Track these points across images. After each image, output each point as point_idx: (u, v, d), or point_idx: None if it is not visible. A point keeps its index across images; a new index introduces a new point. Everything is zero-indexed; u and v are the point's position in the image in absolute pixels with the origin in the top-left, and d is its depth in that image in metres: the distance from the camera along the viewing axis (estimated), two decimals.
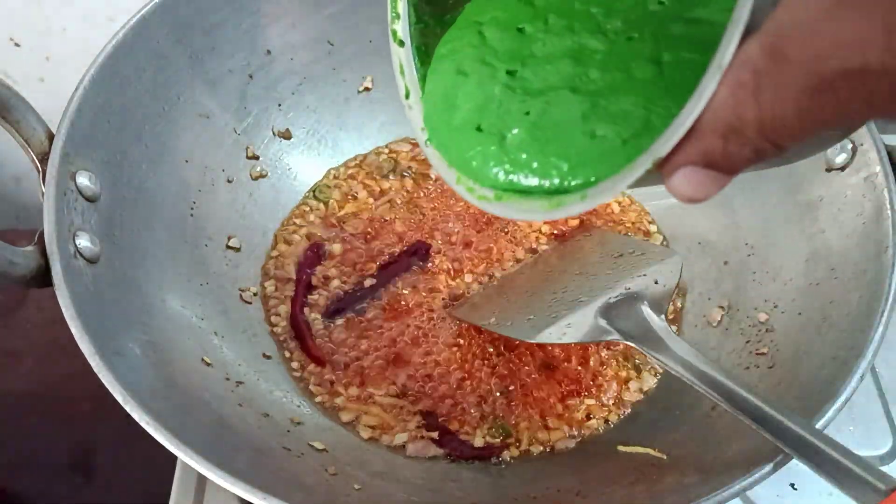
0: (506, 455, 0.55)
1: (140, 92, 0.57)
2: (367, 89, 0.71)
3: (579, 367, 0.59)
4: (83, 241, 0.48)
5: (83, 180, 0.50)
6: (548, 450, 0.56)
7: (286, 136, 0.69)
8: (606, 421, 0.58)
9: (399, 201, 0.69)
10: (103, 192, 0.51)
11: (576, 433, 0.57)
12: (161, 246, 0.56)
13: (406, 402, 0.58)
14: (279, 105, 0.68)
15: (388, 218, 0.68)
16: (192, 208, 0.61)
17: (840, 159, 0.56)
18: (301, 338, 0.61)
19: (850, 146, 0.55)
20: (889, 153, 0.53)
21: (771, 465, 0.42)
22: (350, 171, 0.71)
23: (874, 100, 0.25)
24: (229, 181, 0.65)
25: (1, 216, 0.93)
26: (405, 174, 0.71)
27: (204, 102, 0.62)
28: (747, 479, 0.42)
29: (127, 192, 0.54)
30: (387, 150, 0.72)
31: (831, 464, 0.39)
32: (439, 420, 0.57)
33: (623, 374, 0.59)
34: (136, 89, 0.56)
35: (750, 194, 0.63)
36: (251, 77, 0.66)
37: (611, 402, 0.58)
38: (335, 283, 0.64)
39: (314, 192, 0.70)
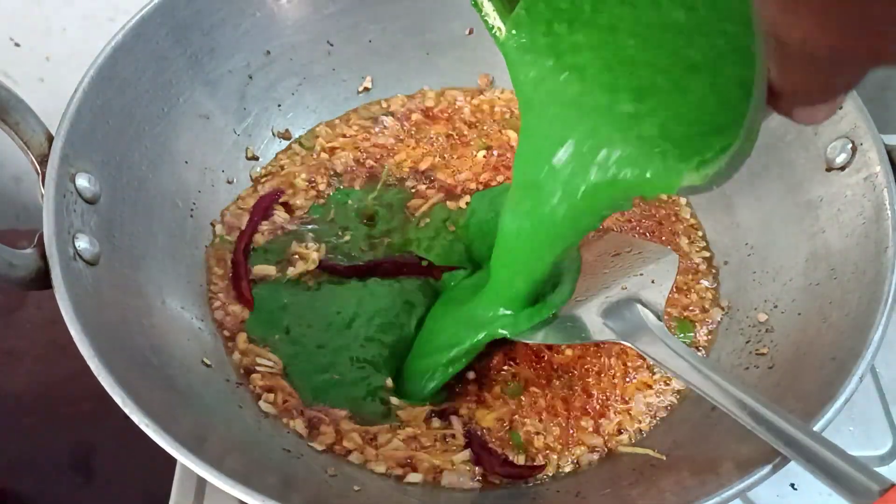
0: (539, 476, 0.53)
1: (139, 93, 0.57)
2: (366, 89, 0.71)
3: (606, 379, 0.57)
4: (83, 243, 0.48)
5: (82, 182, 0.50)
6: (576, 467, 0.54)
7: (286, 136, 0.69)
8: (640, 431, 0.56)
9: (398, 134, 0.70)
10: (103, 193, 0.51)
11: (605, 448, 0.55)
12: (161, 247, 0.56)
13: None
14: (279, 105, 0.68)
15: (384, 144, 0.69)
16: (192, 209, 0.61)
17: (840, 159, 0.56)
18: (237, 276, 0.59)
19: (850, 146, 0.55)
20: (889, 153, 0.53)
21: (770, 466, 0.42)
22: (340, 120, 0.71)
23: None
24: (229, 182, 0.65)
25: (1, 216, 0.94)
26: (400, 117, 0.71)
27: (203, 103, 0.62)
28: (747, 480, 0.42)
29: (126, 193, 0.54)
30: (380, 104, 0.72)
31: (826, 464, 0.40)
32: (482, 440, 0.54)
33: (655, 377, 0.58)
34: (135, 90, 0.56)
35: (750, 194, 0.63)
36: (251, 78, 0.66)
37: (642, 411, 0.56)
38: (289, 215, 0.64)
39: (299, 140, 0.69)
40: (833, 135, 0.56)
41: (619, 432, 0.55)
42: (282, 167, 0.67)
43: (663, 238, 0.65)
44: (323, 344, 0.57)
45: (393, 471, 0.52)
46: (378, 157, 0.68)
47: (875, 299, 0.49)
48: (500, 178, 0.67)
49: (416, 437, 0.53)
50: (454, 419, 0.55)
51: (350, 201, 0.66)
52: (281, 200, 0.65)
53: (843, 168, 0.56)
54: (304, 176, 0.66)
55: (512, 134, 0.70)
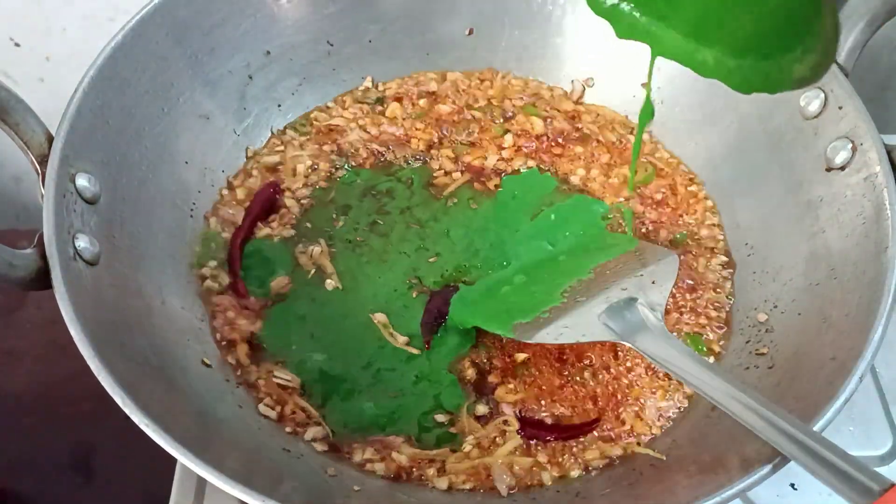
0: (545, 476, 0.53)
1: (139, 93, 0.57)
2: (366, 90, 0.71)
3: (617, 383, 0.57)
4: (82, 243, 0.48)
5: (82, 182, 0.50)
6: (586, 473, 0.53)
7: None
8: (652, 436, 0.55)
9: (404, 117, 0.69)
10: (103, 193, 0.51)
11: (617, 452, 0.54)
12: (161, 247, 0.56)
13: None
14: (279, 105, 0.68)
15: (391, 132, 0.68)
16: (192, 209, 0.61)
17: (840, 159, 0.56)
18: (233, 272, 0.59)
19: (850, 146, 0.55)
20: (889, 153, 0.53)
21: (770, 466, 0.42)
22: (335, 102, 0.70)
23: None
24: (229, 182, 0.65)
25: (1, 216, 0.93)
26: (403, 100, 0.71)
27: (203, 103, 0.62)
28: (747, 479, 0.42)
29: (126, 193, 0.54)
30: (377, 87, 0.72)
31: (825, 464, 0.40)
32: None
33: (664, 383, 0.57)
34: (135, 91, 0.56)
35: (750, 194, 0.63)
36: (251, 78, 0.66)
37: (655, 417, 0.55)
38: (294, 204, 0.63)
39: (293, 125, 0.68)
40: (833, 135, 0.56)
41: (631, 435, 0.55)
42: (279, 154, 0.66)
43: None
44: (354, 362, 0.56)
45: (457, 485, 0.52)
46: (388, 142, 0.68)
47: (875, 299, 0.49)
48: (530, 163, 0.68)
49: (482, 444, 0.53)
50: (505, 407, 0.55)
51: (358, 180, 0.65)
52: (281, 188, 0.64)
53: (843, 168, 0.56)
54: (307, 163, 0.66)
55: (537, 121, 0.70)
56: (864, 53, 0.58)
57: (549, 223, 0.64)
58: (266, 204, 0.63)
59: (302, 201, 0.64)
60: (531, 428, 0.54)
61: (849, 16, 0.57)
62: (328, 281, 0.60)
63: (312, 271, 0.60)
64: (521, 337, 0.54)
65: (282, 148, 0.67)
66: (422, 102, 0.71)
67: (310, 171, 0.66)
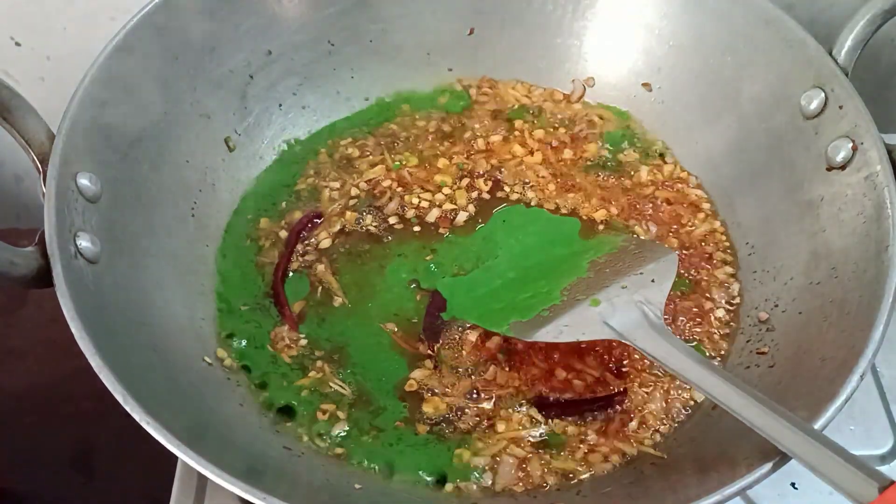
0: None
1: (140, 92, 0.57)
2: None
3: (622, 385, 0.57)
4: (84, 242, 0.48)
5: (84, 181, 0.50)
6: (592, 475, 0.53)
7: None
8: (661, 434, 0.55)
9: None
10: (104, 192, 0.51)
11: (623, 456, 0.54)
12: (162, 246, 0.56)
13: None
14: (280, 105, 0.68)
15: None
16: (192, 208, 0.61)
17: (840, 158, 0.56)
18: (279, 304, 0.59)
19: (850, 145, 0.55)
20: (889, 152, 0.53)
21: (770, 464, 0.42)
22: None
23: None
24: (230, 181, 0.65)
25: (1, 215, 0.93)
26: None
27: (204, 103, 0.62)
28: (747, 478, 0.42)
29: (128, 192, 0.54)
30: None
31: (826, 463, 0.40)
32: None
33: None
34: (136, 90, 0.56)
35: (751, 194, 0.64)
36: (252, 77, 0.66)
37: (661, 416, 0.55)
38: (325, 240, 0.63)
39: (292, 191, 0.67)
40: (833, 134, 0.56)
41: (639, 432, 0.55)
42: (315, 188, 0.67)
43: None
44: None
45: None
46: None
47: (876, 298, 0.49)
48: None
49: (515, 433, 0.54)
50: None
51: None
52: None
53: (843, 167, 0.56)
54: (337, 206, 0.65)
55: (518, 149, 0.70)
56: (864, 53, 0.58)
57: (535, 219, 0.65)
58: (301, 236, 0.63)
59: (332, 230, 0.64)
60: (548, 407, 0.55)
61: (849, 16, 0.57)
62: (336, 298, 0.60)
63: (320, 289, 0.60)
64: (519, 335, 0.54)
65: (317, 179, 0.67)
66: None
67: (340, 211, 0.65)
